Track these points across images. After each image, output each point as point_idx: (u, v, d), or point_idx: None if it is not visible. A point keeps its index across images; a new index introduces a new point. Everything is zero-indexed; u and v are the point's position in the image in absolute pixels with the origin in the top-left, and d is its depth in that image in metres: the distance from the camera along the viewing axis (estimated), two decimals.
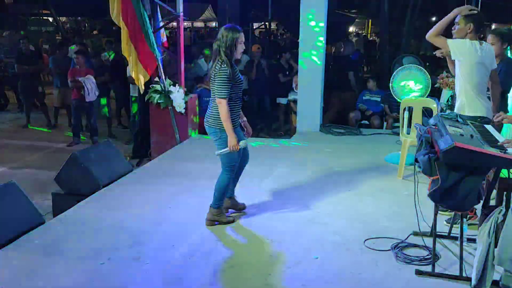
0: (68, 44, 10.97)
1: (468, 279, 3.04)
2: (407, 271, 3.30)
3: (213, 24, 24.76)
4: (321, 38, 7.23)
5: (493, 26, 22.22)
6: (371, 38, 21.04)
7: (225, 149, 3.79)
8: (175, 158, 6.09)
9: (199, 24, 26.06)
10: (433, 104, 5.63)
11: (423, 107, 5.63)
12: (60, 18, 23.50)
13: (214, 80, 3.76)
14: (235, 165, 3.95)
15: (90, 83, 7.86)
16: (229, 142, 3.74)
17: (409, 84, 6.39)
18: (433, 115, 3.75)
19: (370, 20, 23.02)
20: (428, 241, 3.46)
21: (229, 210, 4.27)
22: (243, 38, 3.80)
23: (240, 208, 4.31)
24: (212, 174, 5.33)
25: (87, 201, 4.56)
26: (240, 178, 4.27)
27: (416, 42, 14.12)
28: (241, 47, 3.80)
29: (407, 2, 12.31)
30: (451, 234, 3.71)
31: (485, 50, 3.79)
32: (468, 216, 4.05)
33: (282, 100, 8.86)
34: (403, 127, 5.55)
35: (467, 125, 3.39)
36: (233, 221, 4.08)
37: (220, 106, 3.72)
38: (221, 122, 3.77)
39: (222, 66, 3.71)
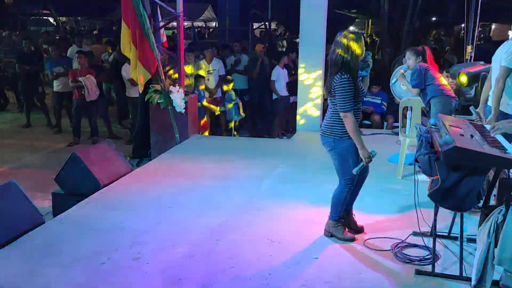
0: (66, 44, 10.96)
1: (468, 279, 3.03)
2: (407, 271, 3.30)
3: (213, 24, 24.75)
4: (321, 38, 7.23)
5: (493, 26, 22.28)
6: (376, 38, 20.99)
7: (361, 164, 3.57)
8: (175, 158, 6.09)
9: (199, 24, 26.04)
10: None
11: (423, 107, 5.62)
12: (60, 18, 23.51)
13: (335, 92, 3.49)
14: (355, 177, 3.69)
15: (90, 82, 7.88)
16: (362, 155, 3.52)
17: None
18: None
19: (370, 20, 22.98)
20: (428, 241, 3.46)
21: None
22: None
23: (354, 228, 3.90)
24: (212, 174, 5.36)
25: (87, 201, 4.55)
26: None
27: (416, 42, 14.11)
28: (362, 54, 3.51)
29: (407, 2, 12.32)
30: (451, 234, 3.71)
31: None
32: None
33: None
34: (404, 127, 5.54)
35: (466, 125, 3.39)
36: (351, 240, 3.75)
37: (346, 120, 3.49)
38: (335, 131, 3.61)
39: (344, 76, 3.44)
